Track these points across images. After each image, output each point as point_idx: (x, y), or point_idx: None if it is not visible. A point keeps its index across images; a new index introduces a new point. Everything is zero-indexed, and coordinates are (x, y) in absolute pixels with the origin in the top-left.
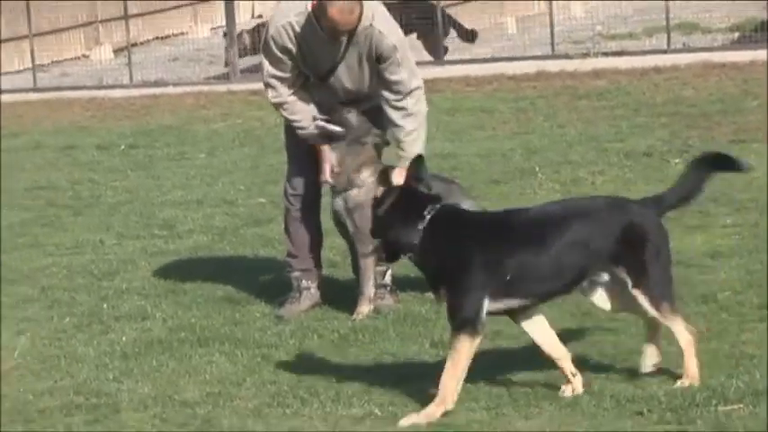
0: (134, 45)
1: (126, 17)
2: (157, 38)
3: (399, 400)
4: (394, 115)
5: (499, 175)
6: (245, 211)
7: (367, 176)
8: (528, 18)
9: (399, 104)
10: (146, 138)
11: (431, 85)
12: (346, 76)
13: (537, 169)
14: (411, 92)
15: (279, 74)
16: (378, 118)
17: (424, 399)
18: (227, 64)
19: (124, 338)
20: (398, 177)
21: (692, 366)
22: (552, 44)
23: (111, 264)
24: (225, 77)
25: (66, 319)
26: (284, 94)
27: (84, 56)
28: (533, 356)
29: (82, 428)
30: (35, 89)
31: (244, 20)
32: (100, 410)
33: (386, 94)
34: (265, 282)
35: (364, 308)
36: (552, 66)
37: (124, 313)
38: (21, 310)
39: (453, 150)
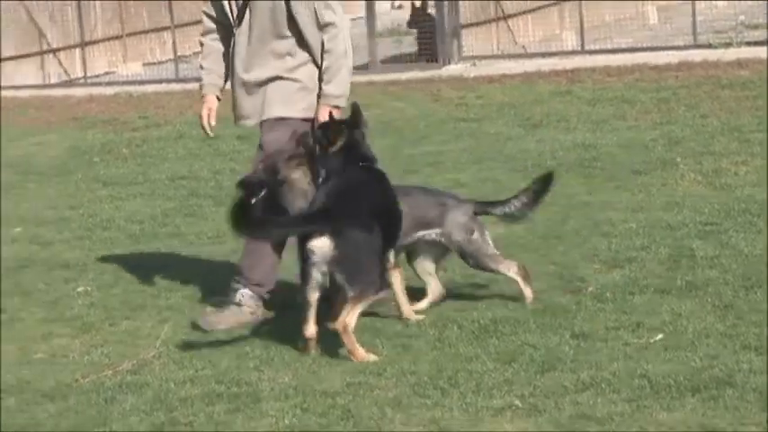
0: None
1: None
2: None
3: (540, 391)
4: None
5: (640, 165)
6: None
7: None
8: (670, 7)
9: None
10: None
11: (572, 75)
12: (261, 12)
13: (679, 160)
14: (326, 26)
15: (208, 10)
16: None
17: (566, 390)
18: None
19: (266, 327)
20: (321, 115)
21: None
22: (694, 34)
23: None
24: (364, 68)
25: (208, 309)
26: (206, 33)
27: None
28: (676, 348)
29: (223, 417)
30: (177, 80)
31: (383, 9)
32: (241, 399)
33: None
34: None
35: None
36: (694, 56)
37: (265, 302)
38: (163, 298)
39: (594, 141)
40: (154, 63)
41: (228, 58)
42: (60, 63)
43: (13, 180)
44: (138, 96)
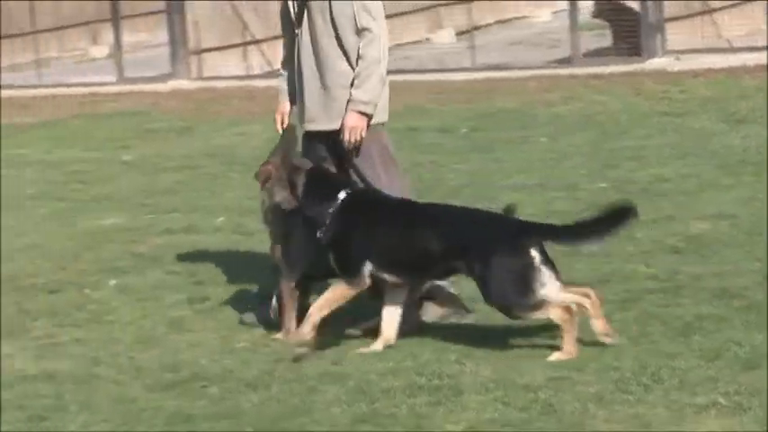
0: (476, 28)
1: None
2: (499, 21)
3: (745, 389)
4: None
5: None
6: (586, 196)
7: None
8: None
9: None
10: (487, 121)
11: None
12: (316, 13)
13: None
14: (362, 30)
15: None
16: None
17: None
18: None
19: (465, 321)
20: (348, 121)
21: None
22: None
23: None
24: (567, 61)
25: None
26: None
27: (426, 39)
28: None
29: (424, 410)
30: None
31: (586, 2)
32: (442, 392)
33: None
34: (605, 268)
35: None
36: None
37: (466, 296)
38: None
39: None
40: None
41: (293, 60)
42: (263, 54)
43: (218, 170)
44: None
